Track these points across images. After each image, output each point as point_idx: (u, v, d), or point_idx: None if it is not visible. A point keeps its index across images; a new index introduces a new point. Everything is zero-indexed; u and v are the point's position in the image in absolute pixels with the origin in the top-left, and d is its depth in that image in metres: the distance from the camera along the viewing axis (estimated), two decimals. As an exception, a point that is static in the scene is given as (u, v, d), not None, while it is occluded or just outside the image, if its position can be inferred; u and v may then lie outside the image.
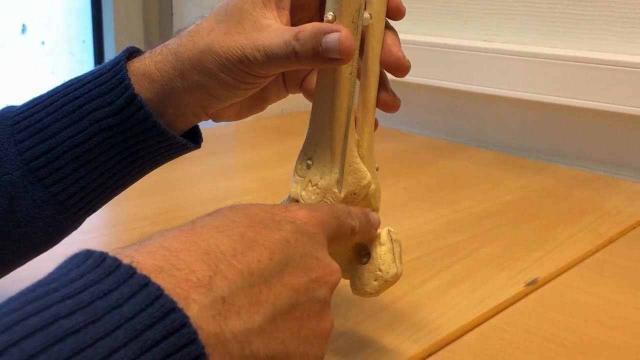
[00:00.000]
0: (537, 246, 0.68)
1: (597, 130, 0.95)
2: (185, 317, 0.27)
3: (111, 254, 0.28)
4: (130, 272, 0.27)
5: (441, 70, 1.04)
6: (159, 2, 1.46)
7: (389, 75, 0.44)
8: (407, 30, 1.06)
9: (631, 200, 0.83)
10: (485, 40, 1.02)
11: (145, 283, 0.27)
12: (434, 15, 1.07)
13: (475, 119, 1.08)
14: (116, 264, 0.27)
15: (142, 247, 0.30)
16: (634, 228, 0.74)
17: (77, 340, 0.24)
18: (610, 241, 0.70)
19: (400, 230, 0.71)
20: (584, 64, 0.91)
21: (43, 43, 1.40)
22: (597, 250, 0.68)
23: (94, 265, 0.27)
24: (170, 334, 0.26)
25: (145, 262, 0.28)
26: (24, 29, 1.36)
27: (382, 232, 0.44)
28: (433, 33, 1.07)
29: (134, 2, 1.43)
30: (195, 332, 0.27)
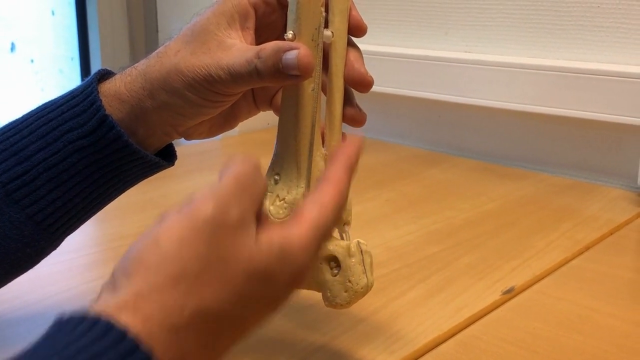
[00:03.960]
0: (515, 254, 0.68)
1: (577, 138, 0.96)
2: None
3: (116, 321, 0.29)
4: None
5: (423, 81, 1.05)
6: (144, 19, 1.47)
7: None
8: (388, 43, 1.08)
9: (610, 206, 0.84)
10: (465, 52, 1.04)
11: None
12: (414, 27, 1.08)
13: (458, 129, 1.09)
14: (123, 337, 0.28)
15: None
16: (611, 234, 0.75)
17: None
18: (587, 248, 0.71)
19: (382, 242, 0.72)
20: (561, 73, 0.92)
21: (32, 61, 1.41)
22: (574, 257, 0.68)
23: (111, 339, 0.28)
24: None
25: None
26: (12, 47, 1.37)
27: (352, 243, 0.45)
28: (414, 45, 1.08)
29: (120, 19, 1.45)
30: None
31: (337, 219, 0.37)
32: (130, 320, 0.29)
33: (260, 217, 0.35)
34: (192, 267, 0.31)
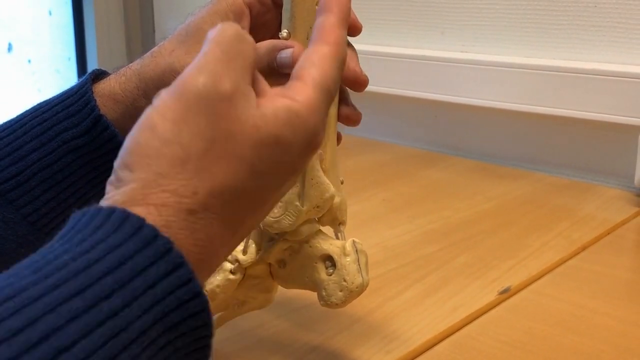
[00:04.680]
0: (512, 254, 0.68)
1: (574, 138, 0.96)
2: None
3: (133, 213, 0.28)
4: (167, 247, 0.27)
5: (419, 81, 1.05)
6: (140, 19, 1.47)
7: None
8: (384, 43, 1.07)
9: (606, 206, 0.83)
10: (462, 52, 1.03)
11: (168, 250, 0.27)
12: (411, 27, 1.08)
13: (454, 129, 1.09)
14: (142, 228, 0.27)
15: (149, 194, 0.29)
16: (608, 234, 0.75)
17: (115, 325, 0.25)
18: (584, 248, 0.71)
19: (378, 242, 0.72)
20: (558, 73, 0.92)
21: (29, 61, 1.41)
22: (570, 257, 0.68)
23: (127, 230, 0.27)
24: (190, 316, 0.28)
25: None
26: (10, 48, 1.37)
27: (347, 243, 0.45)
28: (411, 45, 1.08)
29: (116, 19, 1.45)
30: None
31: (340, 74, 0.35)
32: (143, 213, 0.28)
33: (257, 84, 0.33)
34: (196, 147, 0.29)
